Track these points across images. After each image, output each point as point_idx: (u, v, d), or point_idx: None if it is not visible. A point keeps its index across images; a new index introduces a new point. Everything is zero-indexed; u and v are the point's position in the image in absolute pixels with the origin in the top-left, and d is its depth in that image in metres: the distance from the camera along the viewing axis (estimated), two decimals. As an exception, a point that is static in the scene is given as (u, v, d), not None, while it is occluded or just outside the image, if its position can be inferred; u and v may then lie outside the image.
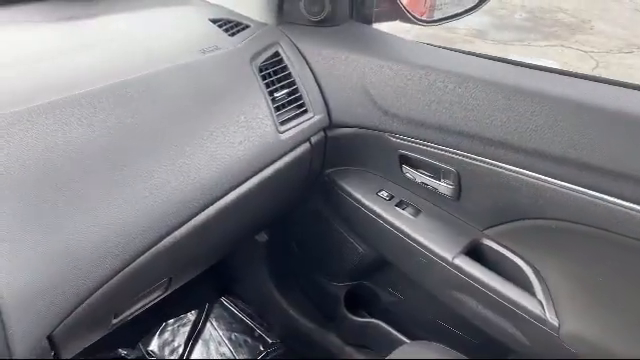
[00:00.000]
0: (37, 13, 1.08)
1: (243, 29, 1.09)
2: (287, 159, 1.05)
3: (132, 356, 1.47)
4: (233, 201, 0.95)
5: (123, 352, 1.45)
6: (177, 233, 0.87)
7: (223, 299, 1.64)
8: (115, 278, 0.79)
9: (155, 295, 0.99)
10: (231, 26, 1.08)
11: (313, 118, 1.07)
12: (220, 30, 1.06)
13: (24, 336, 0.68)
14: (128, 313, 0.95)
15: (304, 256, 1.46)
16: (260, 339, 1.60)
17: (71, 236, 0.72)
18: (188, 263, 1.02)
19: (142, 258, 0.82)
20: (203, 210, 0.90)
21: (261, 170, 0.99)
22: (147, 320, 1.51)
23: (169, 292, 1.06)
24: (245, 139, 0.95)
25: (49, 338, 0.74)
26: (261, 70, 1.03)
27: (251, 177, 0.97)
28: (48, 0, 1.13)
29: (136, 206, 0.80)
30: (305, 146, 1.08)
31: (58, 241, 0.71)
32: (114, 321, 0.93)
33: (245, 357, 1.55)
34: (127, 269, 0.80)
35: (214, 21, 1.08)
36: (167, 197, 0.83)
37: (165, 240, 0.85)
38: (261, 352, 1.58)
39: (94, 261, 0.75)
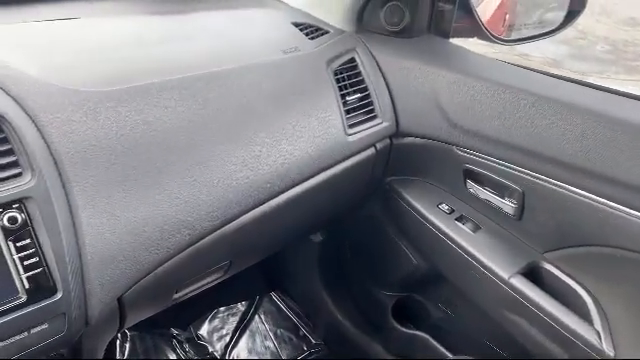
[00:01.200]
0: (136, 5, 1.17)
1: (323, 34, 1.14)
2: (351, 162, 1.07)
3: (183, 337, 1.53)
4: (295, 196, 0.98)
5: (175, 332, 1.52)
6: (242, 219, 0.91)
7: (273, 294, 1.68)
8: (182, 254, 0.84)
9: (214, 277, 1.04)
10: (312, 30, 1.13)
11: (381, 124, 1.10)
12: (301, 33, 1.11)
13: (99, 293, 0.74)
14: (188, 290, 1.01)
15: (356, 261, 1.48)
16: (304, 338, 1.63)
17: (149, 209, 0.78)
18: (248, 250, 1.07)
19: (208, 239, 0.87)
20: (267, 201, 0.94)
21: (325, 169, 1.02)
22: (200, 304, 1.57)
23: (227, 276, 1.11)
24: (314, 138, 0.99)
25: (119, 300, 0.80)
26: (336, 74, 1.07)
27: (315, 175, 1.01)
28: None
29: (208, 189, 0.85)
30: (370, 151, 1.11)
31: (138, 212, 0.77)
32: (175, 296, 0.99)
33: (288, 354, 1.58)
34: (193, 247, 0.85)
35: (296, 24, 1.13)
36: (236, 184, 0.88)
37: (230, 224, 0.89)
38: (304, 351, 1.60)
39: (165, 235, 0.80)
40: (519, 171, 0.97)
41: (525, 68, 1.07)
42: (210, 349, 1.54)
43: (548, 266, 0.99)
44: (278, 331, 1.62)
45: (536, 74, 1.04)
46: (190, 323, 1.57)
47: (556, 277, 0.97)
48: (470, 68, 1.06)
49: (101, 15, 1.07)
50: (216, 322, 1.60)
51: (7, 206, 0.66)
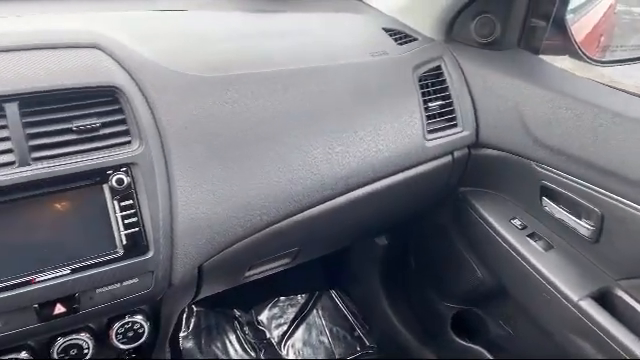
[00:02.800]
0: (238, 3, 1.26)
1: (411, 41, 1.16)
2: (427, 167, 1.09)
3: (244, 319, 1.60)
4: (368, 194, 1.02)
5: (237, 313, 1.60)
6: (316, 209, 0.96)
7: (332, 291, 1.72)
8: (259, 234, 0.90)
9: (283, 262, 1.10)
10: (401, 36, 1.16)
11: (461, 133, 1.11)
12: (390, 39, 1.15)
13: (184, 259, 0.81)
14: (259, 271, 1.07)
15: (419, 269, 1.49)
16: (359, 339, 1.65)
17: (236, 188, 0.84)
18: (317, 240, 1.11)
19: (283, 223, 0.92)
20: (343, 194, 0.98)
21: (401, 171, 1.05)
22: (263, 291, 1.64)
23: (293, 264, 1.16)
24: (393, 139, 1.02)
25: (199, 269, 0.87)
26: (420, 80, 1.09)
27: (390, 175, 1.04)
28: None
29: (289, 177, 0.90)
30: (447, 158, 1.12)
31: (225, 190, 0.83)
32: (246, 274, 1.05)
33: (341, 352, 1.61)
34: (270, 229, 0.91)
35: (386, 30, 1.17)
36: (316, 175, 0.93)
37: (305, 213, 0.94)
38: (357, 352, 1.63)
39: (248, 214, 0.86)
40: (599, 192, 0.95)
41: (614, 88, 1.04)
42: (268, 335, 1.60)
43: (621, 293, 0.96)
44: (334, 328, 1.66)
45: (626, 95, 1.01)
46: (252, 307, 1.64)
47: (630, 306, 0.94)
48: (557, 85, 1.05)
49: (206, 9, 1.16)
50: (276, 310, 1.66)
51: (116, 169, 0.74)
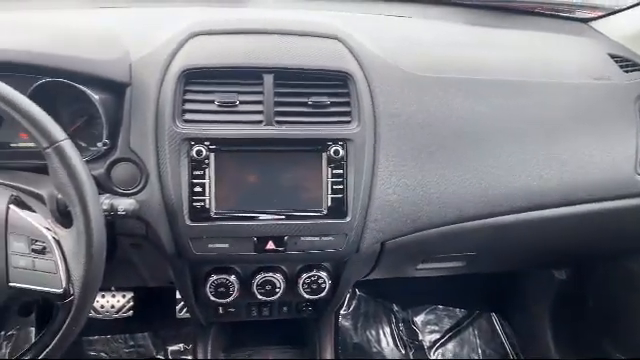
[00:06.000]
0: (458, 15, 1.32)
1: (638, 70, 1.10)
2: (631, 203, 1.03)
3: (400, 316, 1.66)
4: (560, 216, 1.00)
5: (395, 307, 1.67)
6: (502, 218, 0.98)
7: (493, 314, 1.68)
8: (444, 228, 0.95)
9: (457, 264, 1.13)
10: (628, 64, 1.11)
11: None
12: (616, 65, 1.10)
13: (373, 231, 0.90)
14: (432, 266, 1.12)
15: (597, 313, 1.38)
16: (512, 370, 1.59)
17: (434, 181, 0.92)
18: (496, 251, 1.12)
19: (470, 224, 0.96)
20: (531, 210, 0.98)
21: (602, 200, 1.01)
22: (424, 294, 1.68)
23: (465, 270, 1.18)
24: (600, 166, 0.99)
25: (382, 245, 0.96)
26: (642, 111, 1.04)
27: (587, 203, 1.00)
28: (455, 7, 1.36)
29: (488, 181, 0.94)
30: (658, 199, 1.04)
31: (424, 180, 0.92)
32: (419, 266, 1.11)
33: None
34: (456, 226, 0.95)
35: (612, 56, 1.12)
36: (509, 184, 0.95)
37: (492, 219, 0.97)
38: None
39: (439, 207, 0.93)
40: None
41: None
42: (420, 337, 1.64)
43: None
44: (487, 350, 1.62)
45: None
46: (410, 307, 1.69)
47: None
48: None
49: (430, 17, 1.25)
50: (432, 316, 1.69)
51: (335, 142, 0.86)
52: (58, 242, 0.68)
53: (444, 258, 1.10)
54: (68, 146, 0.67)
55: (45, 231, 0.68)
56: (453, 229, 0.96)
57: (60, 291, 0.67)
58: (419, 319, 1.68)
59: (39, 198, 0.76)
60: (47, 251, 0.67)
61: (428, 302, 1.71)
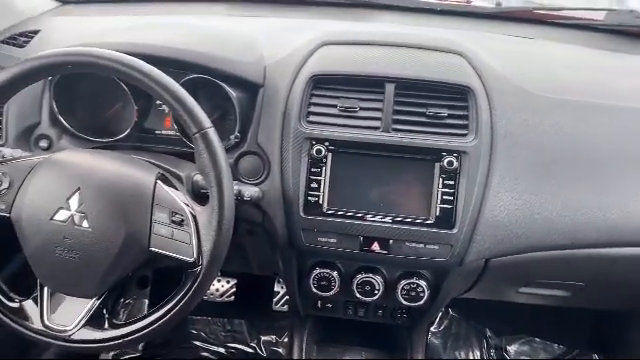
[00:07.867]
0: (569, 38, 1.27)
1: None
2: None
3: (493, 342, 1.61)
4: None
5: (489, 333, 1.62)
6: (616, 250, 0.93)
7: (595, 355, 1.58)
8: (553, 252, 0.92)
9: (563, 293, 1.08)
10: None
11: None
12: None
13: (478, 247, 0.91)
14: (535, 291, 1.09)
15: None
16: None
17: (547, 203, 0.90)
18: (609, 284, 1.06)
19: (580, 251, 0.93)
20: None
21: None
22: (521, 324, 1.62)
23: (570, 303, 1.13)
24: None
25: (486, 262, 0.96)
26: None
27: None
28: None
29: (598, 208, 0.91)
30: None
31: (537, 201, 0.90)
32: (520, 289, 1.08)
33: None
34: (566, 251, 0.92)
35: None
36: (622, 213, 0.91)
37: (606, 249, 0.93)
38: None
39: (549, 229, 0.91)
40: None
41: None
42: (512, 366, 1.58)
43: None
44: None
45: None
46: (503, 335, 1.63)
47: None
48: None
49: (550, 39, 1.22)
50: (526, 348, 1.62)
51: (450, 153, 0.88)
52: (194, 217, 0.77)
53: (549, 285, 1.06)
54: (212, 133, 0.76)
55: (184, 206, 0.78)
56: (563, 255, 0.93)
57: (191, 260, 0.76)
58: (512, 348, 1.61)
59: (179, 178, 0.87)
60: (184, 224, 0.77)
61: (524, 332, 1.64)
